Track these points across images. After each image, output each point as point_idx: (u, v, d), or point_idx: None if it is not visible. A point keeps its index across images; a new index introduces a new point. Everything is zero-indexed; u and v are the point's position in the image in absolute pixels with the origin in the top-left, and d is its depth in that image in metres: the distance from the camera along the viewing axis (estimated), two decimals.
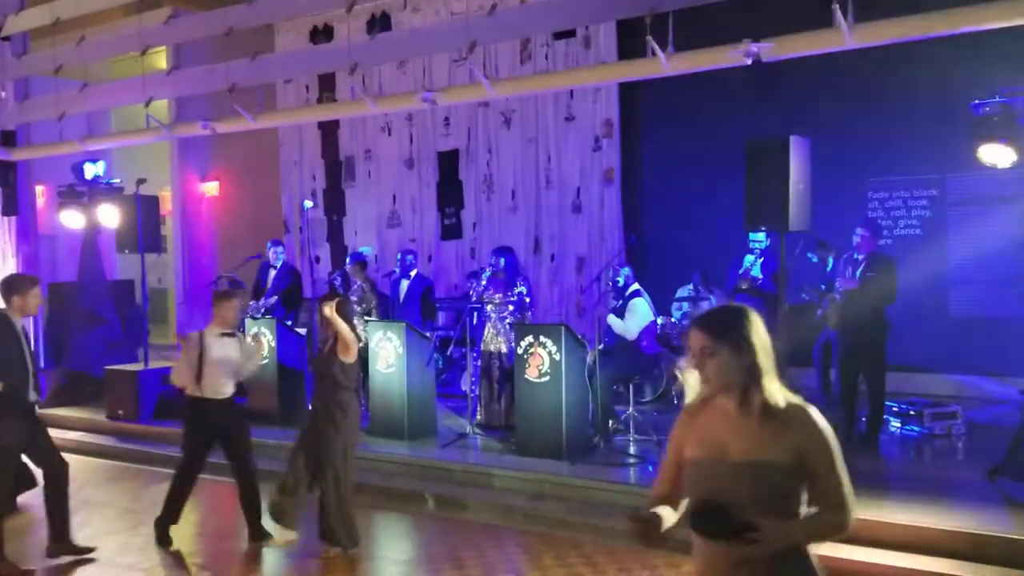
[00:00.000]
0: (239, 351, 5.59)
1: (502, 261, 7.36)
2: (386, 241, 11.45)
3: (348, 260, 9.01)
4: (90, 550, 5.40)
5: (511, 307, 7.34)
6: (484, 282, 7.56)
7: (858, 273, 6.62)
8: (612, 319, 7.09)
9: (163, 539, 5.57)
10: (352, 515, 5.31)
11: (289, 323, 8.87)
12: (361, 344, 7.97)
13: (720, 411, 2.28)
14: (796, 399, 2.26)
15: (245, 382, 6.61)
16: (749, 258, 7.81)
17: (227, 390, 5.53)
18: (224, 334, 5.52)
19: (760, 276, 7.71)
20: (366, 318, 8.29)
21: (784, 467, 2.18)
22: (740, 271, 7.84)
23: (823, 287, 7.10)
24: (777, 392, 2.23)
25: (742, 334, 2.22)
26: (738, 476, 2.20)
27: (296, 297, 9.51)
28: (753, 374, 2.22)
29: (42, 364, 10.46)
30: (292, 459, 5.34)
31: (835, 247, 7.44)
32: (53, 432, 5.66)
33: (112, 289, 11.00)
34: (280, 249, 9.50)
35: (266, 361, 7.76)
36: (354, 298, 8.52)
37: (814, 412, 2.23)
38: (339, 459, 5.20)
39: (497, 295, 7.42)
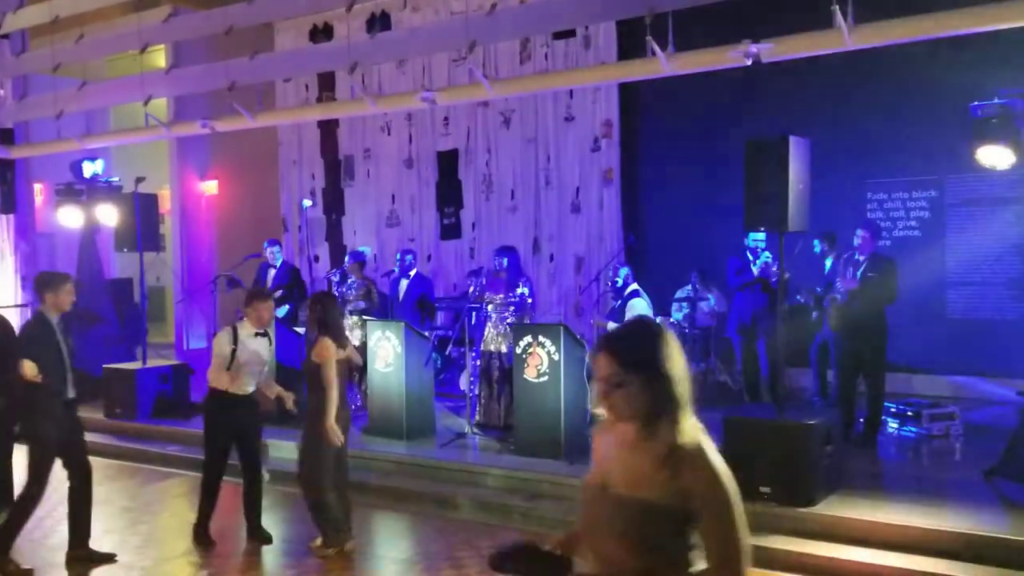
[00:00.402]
0: (269, 351, 5.61)
1: (505, 261, 7.35)
2: (385, 240, 11.45)
3: (347, 259, 9.01)
4: (112, 556, 5.36)
5: (512, 307, 7.34)
6: (483, 282, 7.54)
7: (859, 274, 6.63)
8: (613, 327, 7.04)
9: (205, 540, 5.57)
10: (334, 510, 5.32)
11: (287, 308, 8.87)
12: (358, 344, 8.01)
13: (620, 435, 2.05)
14: (701, 438, 2.00)
15: None
16: (767, 254, 7.83)
17: (251, 388, 5.53)
18: (257, 333, 5.53)
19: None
20: (364, 317, 8.29)
21: (666, 510, 1.94)
22: (759, 268, 7.85)
23: (819, 290, 7.11)
24: (688, 429, 1.97)
25: (656, 363, 1.96)
26: (617, 510, 1.99)
27: (300, 294, 9.50)
28: (664, 407, 1.96)
29: None
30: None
31: (836, 247, 7.45)
32: None
33: (110, 288, 10.99)
34: (276, 249, 9.46)
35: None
36: (351, 296, 8.53)
37: (713, 456, 1.98)
38: (315, 456, 5.25)
39: (499, 295, 7.41)
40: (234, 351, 5.41)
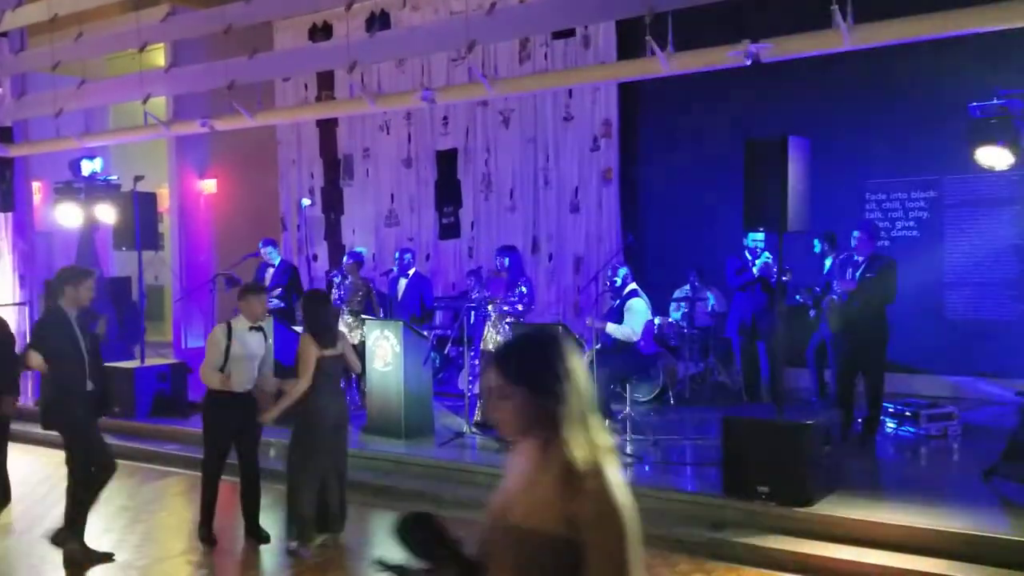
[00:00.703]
0: (264, 346, 5.60)
1: (506, 261, 7.34)
2: (384, 240, 11.44)
3: (346, 258, 9.01)
4: (109, 555, 5.35)
5: (512, 307, 7.32)
6: (486, 293, 7.52)
7: (857, 274, 6.63)
8: (611, 327, 7.02)
9: (209, 539, 5.57)
10: (301, 507, 5.30)
11: (279, 304, 8.88)
12: (356, 343, 8.01)
13: (524, 457, 1.88)
14: (601, 459, 1.79)
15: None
16: (767, 255, 7.85)
17: (249, 385, 5.51)
18: (251, 328, 5.52)
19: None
20: (363, 316, 8.29)
21: (554, 541, 1.73)
22: (758, 269, 7.85)
23: (818, 290, 7.11)
24: (582, 447, 1.77)
25: (545, 374, 1.80)
26: (512, 541, 1.80)
27: (298, 292, 9.50)
28: (553, 422, 1.78)
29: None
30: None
31: (836, 247, 7.46)
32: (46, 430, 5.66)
33: (109, 286, 10.97)
34: (270, 249, 9.42)
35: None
36: (348, 296, 8.53)
37: (611, 480, 1.77)
38: (294, 451, 5.30)
39: (499, 295, 7.40)
40: (229, 346, 5.40)
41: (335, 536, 5.47)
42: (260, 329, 5.59)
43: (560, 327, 6.58)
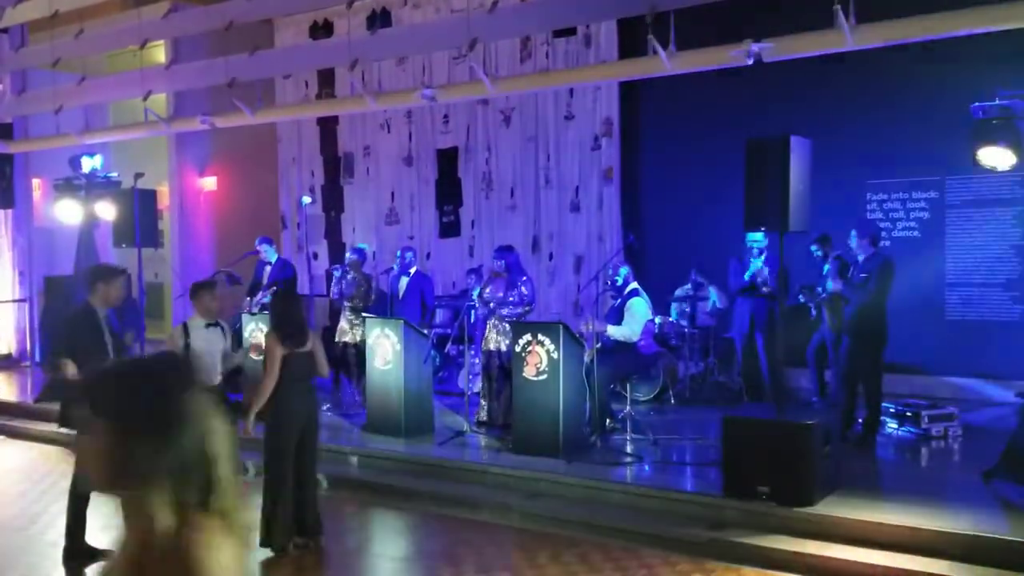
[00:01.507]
0: (224, 341, 5.57)
1: (503, 263, 7.32)
2: (384, 238, 11.44)
3: (349, 254, 9.00)
4: (109, 553, 5.32)
5: (513, 306, 7.30)
6: (487, 290, 7.50)
7: (855, 274, 6.63)
8: (611, 330, 7.01)
9: None
10: (278, 517, 5.16)
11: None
12: (356, 341, 8.02)
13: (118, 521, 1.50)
14: (200, 527, 1.39)
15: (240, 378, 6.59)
16: (756, 262, 7.82)
17: (215, 380, 5.48)
18: (208, 324, 5.50)
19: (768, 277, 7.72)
20: (364, 315, 8.28)
21: None
22: (749, 274, 7.82)
23: (819, 290, 7.11)
24: (171, 511, 1.39)
25: (142, 408, 1.40)
26: None
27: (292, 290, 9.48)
28: (146, 475, 1.39)
29: (37, 358, 10.44)
30: None
31: (834, 247, 7.45)
32: (46, 427, 5.66)
33: None
34: (266, 246, 9.39)
35: (261, 357, 7.73)
36: (349, 292, 8.52)
37: (198, 557, 1.37)
38: (266, 458, 5.19)
39: (499, 295, 7.37)
40: (187, 345, 5.38)
41: (315, 539, 5.29)
42: (217, 325, 5.56)
43: (561, 326, 6.57)
